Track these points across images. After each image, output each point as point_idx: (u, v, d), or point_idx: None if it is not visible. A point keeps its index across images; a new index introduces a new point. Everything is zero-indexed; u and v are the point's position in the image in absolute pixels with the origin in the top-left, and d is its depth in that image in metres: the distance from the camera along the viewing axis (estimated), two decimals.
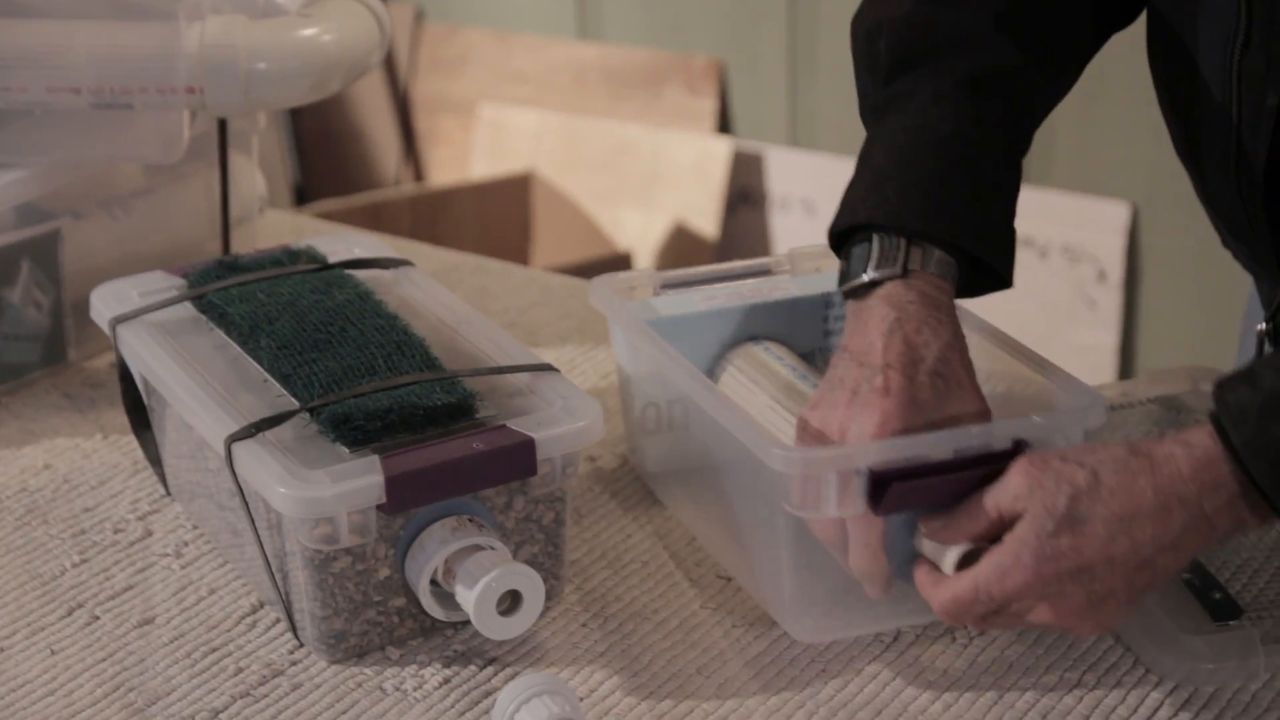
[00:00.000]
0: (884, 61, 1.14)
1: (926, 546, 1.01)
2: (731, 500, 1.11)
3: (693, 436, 1.16)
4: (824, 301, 1.27)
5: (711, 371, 1.23)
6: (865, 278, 1.07)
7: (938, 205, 1.09)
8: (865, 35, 1.16)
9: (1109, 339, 2.88)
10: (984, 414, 1.05)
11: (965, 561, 0.99)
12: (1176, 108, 1.19)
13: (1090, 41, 1.19)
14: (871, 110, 1.16)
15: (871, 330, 1.05)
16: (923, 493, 1.00)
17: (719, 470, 1.13)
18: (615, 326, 1.24)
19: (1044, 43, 1.15)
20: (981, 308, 1.15)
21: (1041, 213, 2.90)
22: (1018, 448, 1.01)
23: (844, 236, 1.11)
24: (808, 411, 1.05)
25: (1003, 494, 0.99)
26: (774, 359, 1.21)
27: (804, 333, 1.26)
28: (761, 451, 1.02)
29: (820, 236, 1.16)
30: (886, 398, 1.02)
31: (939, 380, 1.04)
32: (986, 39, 1.13)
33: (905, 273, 1.07)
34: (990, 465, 0.99)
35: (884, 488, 0.99)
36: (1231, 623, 1.06)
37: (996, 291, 1.13)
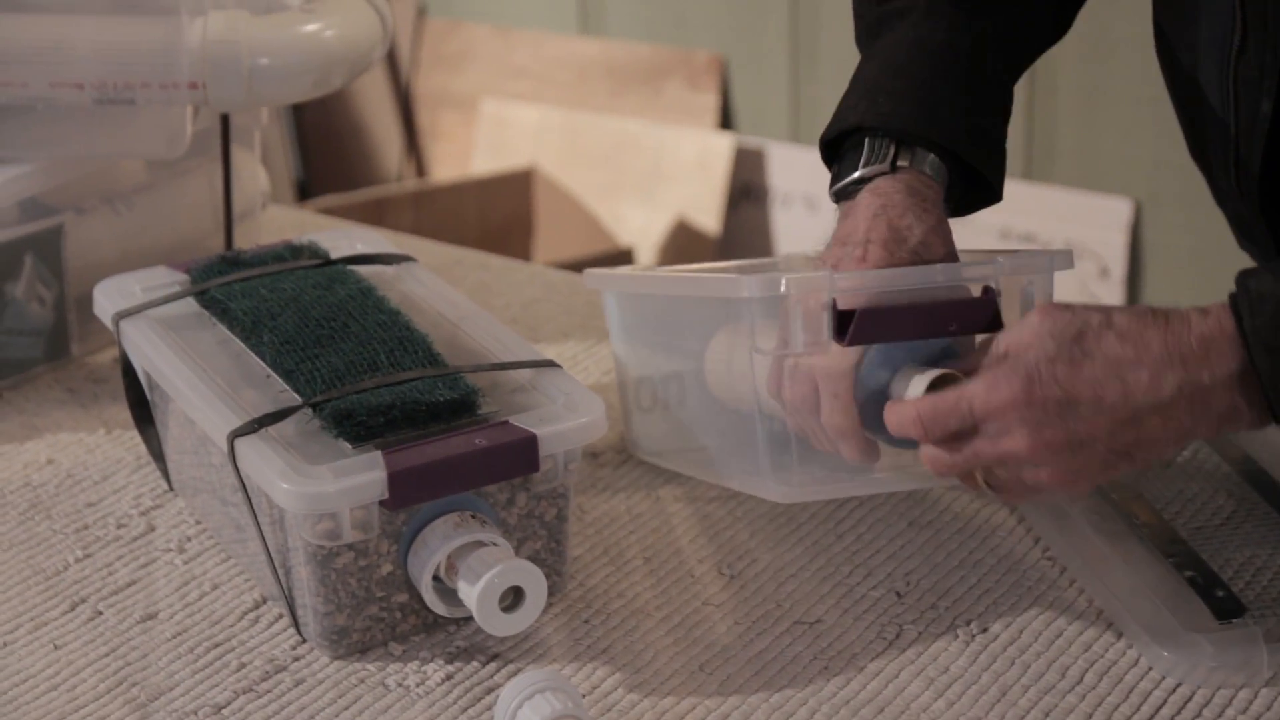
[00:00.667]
0: None
1: (899, 384, 1.01)
2: (706, 384, 1.12)
3: (675, 347, 1.17)
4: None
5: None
6: (854, 175, 1.09)
7: (929, 110, 1.10)
8: None
9: None
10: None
11: (936, 386, 0.99)
12: (1185, 111, 1.19)
13: None
14: (866, 30, 1.18)
15: (858, 216, 1.06)
16: (889, 322, 1.00)
17: (697, 371, 1.13)
18: (608, 298, 1.24)
19: None
20: None
21: (1044, 209, 2.90)
22: (987, 294, 1.02)
23: (835, 145, 1.13)
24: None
25: (1020, 331, 0.97)
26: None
27: None
28: (730, 286, 1.02)
29: (824, 233, 1.17)
30: (863, 264, 1.03)
31: (919, 260, 1.04)
32: None
33: (894, 169, 1.08)
34: (962, 314, 1.00)
35: (850, 317, 1.00)
36: (1234, 621, 1.06)
37: (986, 206, 1.13)
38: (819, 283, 1.01)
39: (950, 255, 1.07)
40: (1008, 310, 1.03)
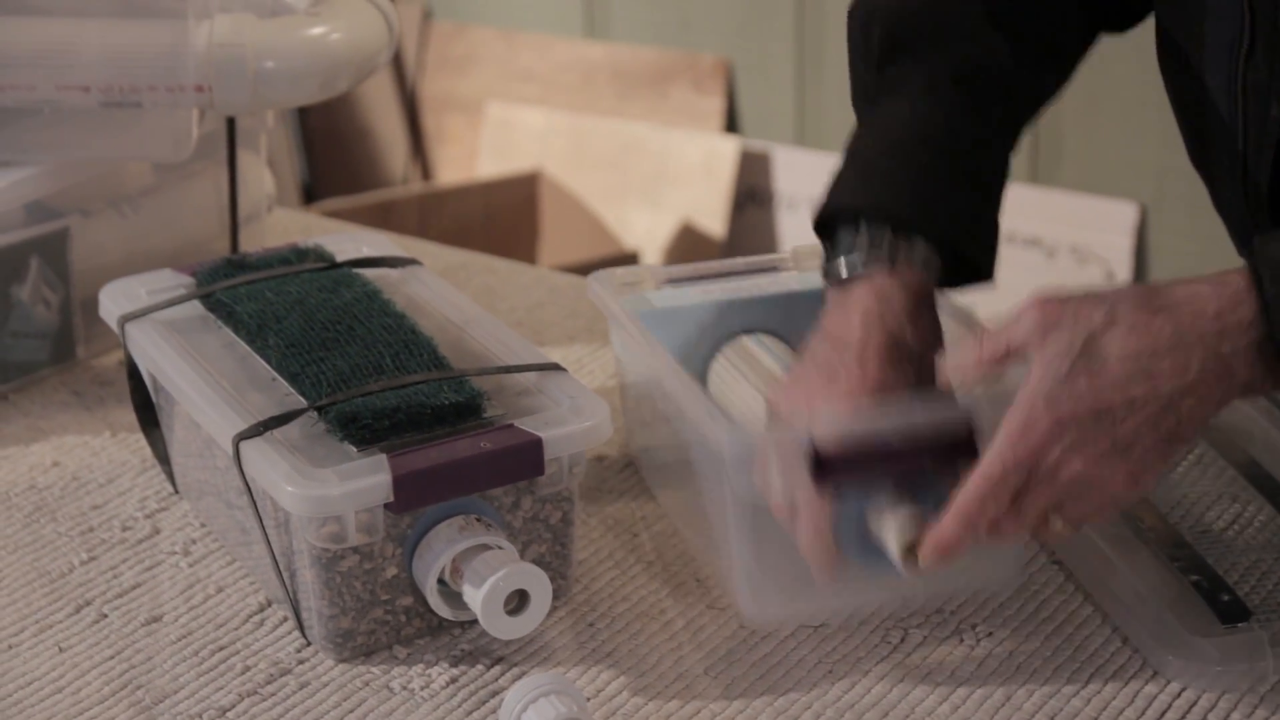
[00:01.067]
0: (877, 48, 1.15)
1: (874, 520, 1.01)
2: (696, 483, 1.12)
3: (669, 423, 1.17)
4: (821, 297, 1.27)
5: (705, 364, 1.23)
6: (844, 273, 1.08)
7: (925, 198, 1.09)
8: (860, 22, 1.17)
9: None
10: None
11: (910, 550, 0.98)
12: (1187, 117, 1.19)
13: (1078, 41, 1.20)
14: (863, 97, 1.17)
15: (853, 318, 1.06)
16: (867, 470, 1.00)
17: (687, 455, 1.13)
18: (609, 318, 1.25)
19: (1033, 39, 1.15)
20: (989, 312, 1.16)
21: (1049, 213, 2.90)
22: (970, 431, 1.00)
23: (828, 222, 1.12)
24: (779, 390, 1.06)
25: (1015, 329, 0.96)
26: (763, 350, 1.21)
27: (801, 327, 1.26)
28: (710, 431, 1.02)
29: None
30: (862, 384, 1.03)
31: (913, 373, 1.04)
32: (979, 32, 1.14)
33: (891, 265, 1.07)
34: (941, 448, 0.99)
35: (827, 466, 0.99)
36: (1240, 625, 1.06)
37: (979, 284, 1.13)
38: (794, 437, 1.00)
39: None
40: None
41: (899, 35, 1.14)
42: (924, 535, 0.99)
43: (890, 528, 1.00)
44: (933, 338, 1.06)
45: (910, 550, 0.99)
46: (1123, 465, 0.96)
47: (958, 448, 1.00)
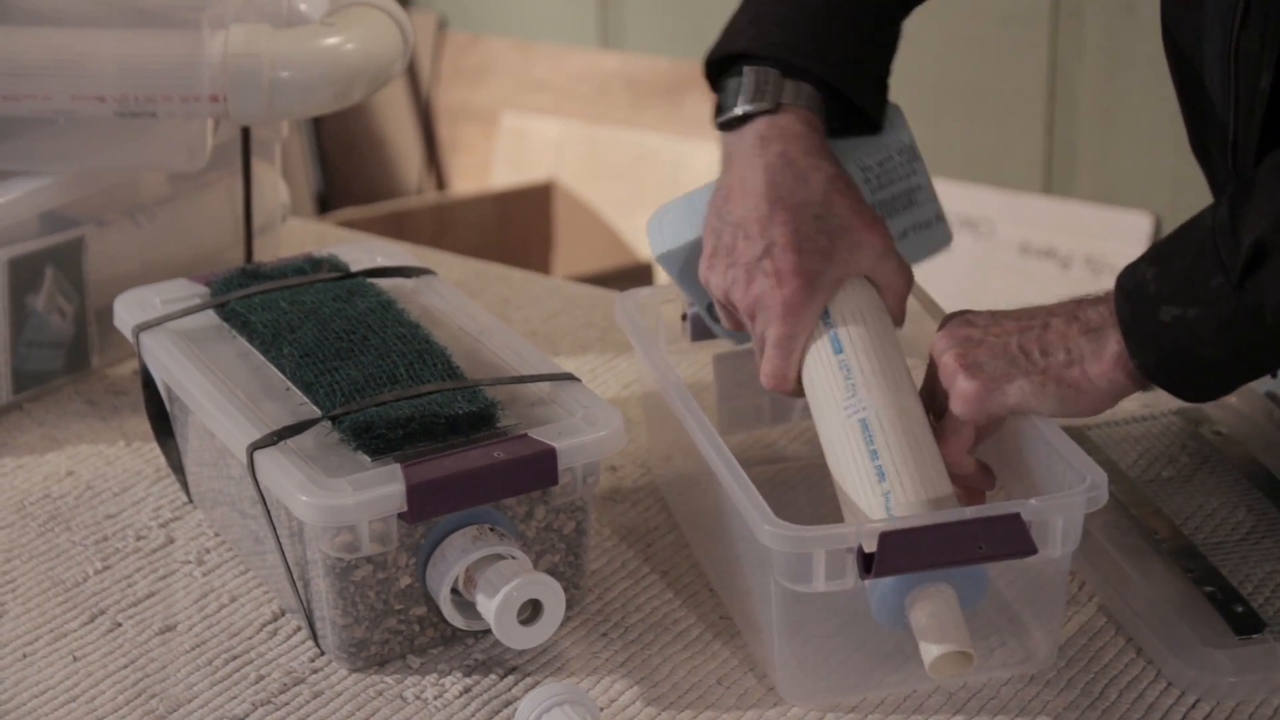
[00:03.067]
0: None
1: (911, 613, 1.00)
2: (732, 555, 1.10)
3: (702, 486, 1.15)
4: None
5: None
6: (738, 111, 1.11)
7: (811, 41, 1.12)
8: None
9: None
10: (879, 235, 1.09)
11: (940, 662, 0.98)
12: (1187, 97, 1.19)
13: None
14: None
15: (748, 193, 1.09)
16: (915, 558, 0.99)
17: (722, 524, 1.11)
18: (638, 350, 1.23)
19: None
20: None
21: (1064, 224, 2.90)
22: (1021, 527, 1.00)
23: (720, 69, 1.15)
24: (706, 270, 1.12)
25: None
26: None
27: None
28: (754, 524, 0.99)
29: None
30: (781, 285, 1.08)
31: (824, 238, 1.08)
32: None
33: (776, 107, 1.10)
34: (989, 530, 0.98)
35: (873, 559, 0.98)
36: (1254, 636, 1.05)
37: (865, 135, 1.17)
38: (846, 535, 0.99)
39: (855, 201, 1.10)
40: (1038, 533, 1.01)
41: None
42: (956, 643, 0.98)
43: (924, 633, 0.99)
44: (833, 182, 1.09)
45: (940, 662, 0.98)
46: (961, 350, 1.06)
47: (1009, 543, 0.99)
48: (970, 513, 1.00)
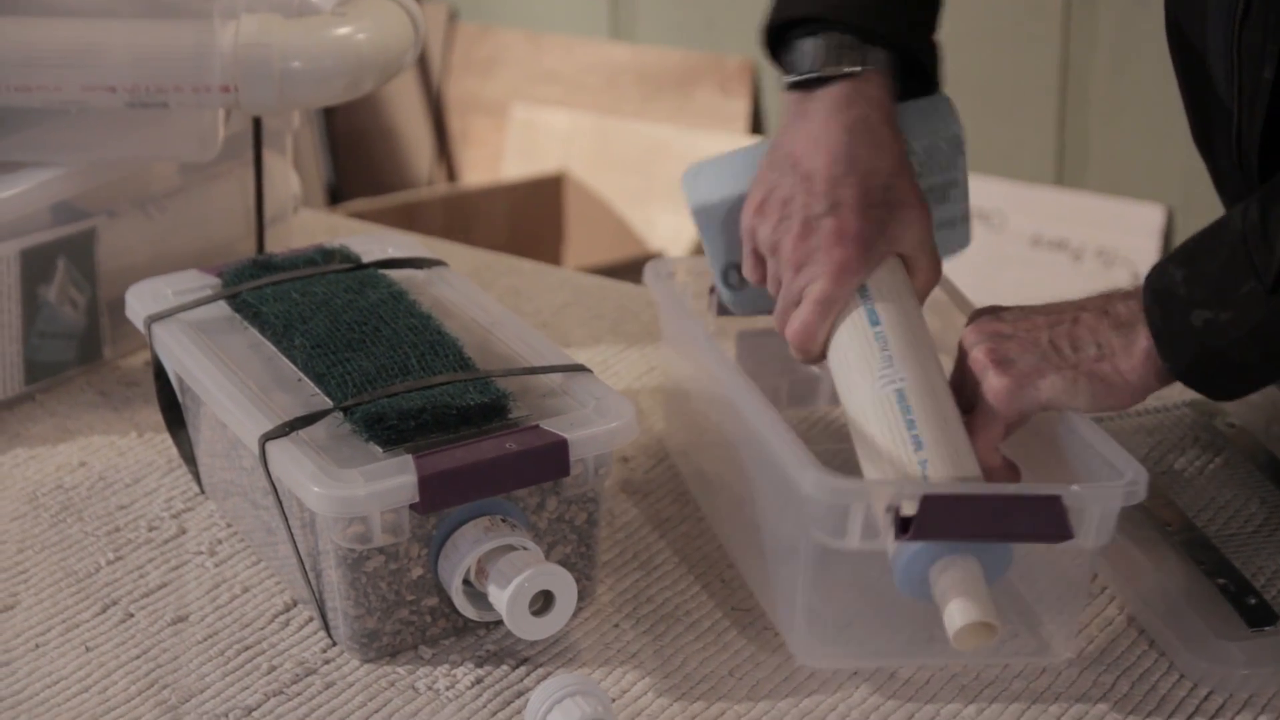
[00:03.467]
0: None
1: (935, 583, 1.00)
2: (759, 515, 1.10)
3: (728, 444, 1.15)
4: None
5: None
6: (818, 73, 1.11)
7: (878, 3, 1.12)
8: None
9: None
10: (928, 220, 1.10)
11: (963, 634, 0.98)
12: (1191, 89, 1.18)
13: None
14: None
15: (822, 150, 1.09)
16: (953, 526, 0.99)
17: (751, 482, 1.11)
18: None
19: None
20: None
21: (1075, 216, 2.89)
22: (1061, 510, 1.00)
23: (782, 33, 1.14)
24: (753, 215, 1.10)
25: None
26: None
27: None
28: (795, 473, 1.00)
29: None
30: (840, 244, 1.07)
31: (885, 210, 1.09)
32: None
33: (859, 71, 1.10)
34: (1028, 509, 0.98)
35: (910, 522, 0.98)
36: (1267, 628, 1.05)
37: (924, 96, 1.17)
38: (887, 491, 0.99)
39: (914, 180, 1.11)
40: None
41: None
42: (982, 613, 0.98)
43: (949, 604, 0.99)
44: (900, 160, 1.10)
45: (964, 632, 0.98)
46: (991, 345, 1.06)
47: (1046, 526, 0.99)
48: (1013, 489, 1.00)
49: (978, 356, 1.06)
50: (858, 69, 1.10)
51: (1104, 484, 1.01)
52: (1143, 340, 1.03)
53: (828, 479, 0.99)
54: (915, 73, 1.16)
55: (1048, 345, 1.05)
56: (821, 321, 1.09)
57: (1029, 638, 1.07)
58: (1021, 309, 1.08)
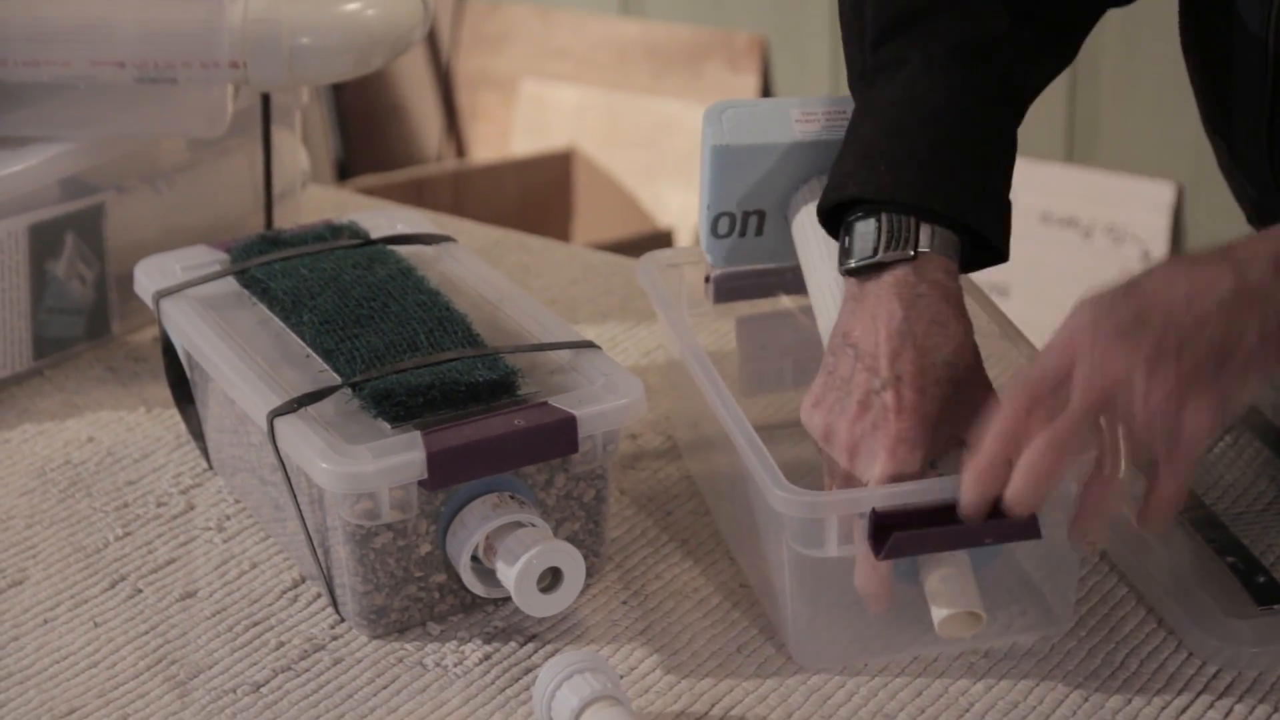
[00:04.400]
0: (870, 28, 1.10)
1: (924, 575, 1.00)
2: (749, 520, 1.09)
3: (718, 447, 1.15)
4: None
5: (787, 203, 1.17)
6: (875, 259, 1.03)
7: (936, 179, 1.05)
8: (851, 2, 1.13)
9: None
10: (992, 403, 0.99)
11: (949, 622, 0.98)
12: (1211, 75, 1.17)
13: (1082, 13, 1.15)
14: (859, 79, 1.12)
15: (879, 326, 1.02)
16: (926, 541, 0.98)
17: (739, 489, 1.10)
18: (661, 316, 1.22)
19: (1034, 11, 1.10)
20: (1025, 293, 1.15)
21: (1085, 193, 2.88)
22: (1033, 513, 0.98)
23: (835, 214, 1.08)
24: (810, 409, 1.02)
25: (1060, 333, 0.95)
26: None
27: None
28: (766, 489, 0.99)
29: None
30: (899, 418, 0.99)
31: (949, 386, 1.01)
32: (975, 5, 1.09)
33: (915, 255, 1.03)
34: (1003, 527, 0.97)
35: (887, 534, 0.97)
36: (1275, 607, 1.05)
37: (993, 265, 1.09)
38: (857, 500, 0.98)
39: (976, 364, 1.03)
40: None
41: (895, 11, 1.09)
42: (965, 604, 0.97)
43: (934, 595, 0.99)
44: (964, 342, 1.02)
45: (948, 623, 0.98)
46: (1174, 371, 0.91)
47: (1019, 526, 0.97)
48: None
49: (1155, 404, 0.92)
50: (909, 254, 1.03)
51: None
52: None
53: (796, 496, 0.98)
54: (983, 243, 1.07)
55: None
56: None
57: (1035, 612, 1.07)
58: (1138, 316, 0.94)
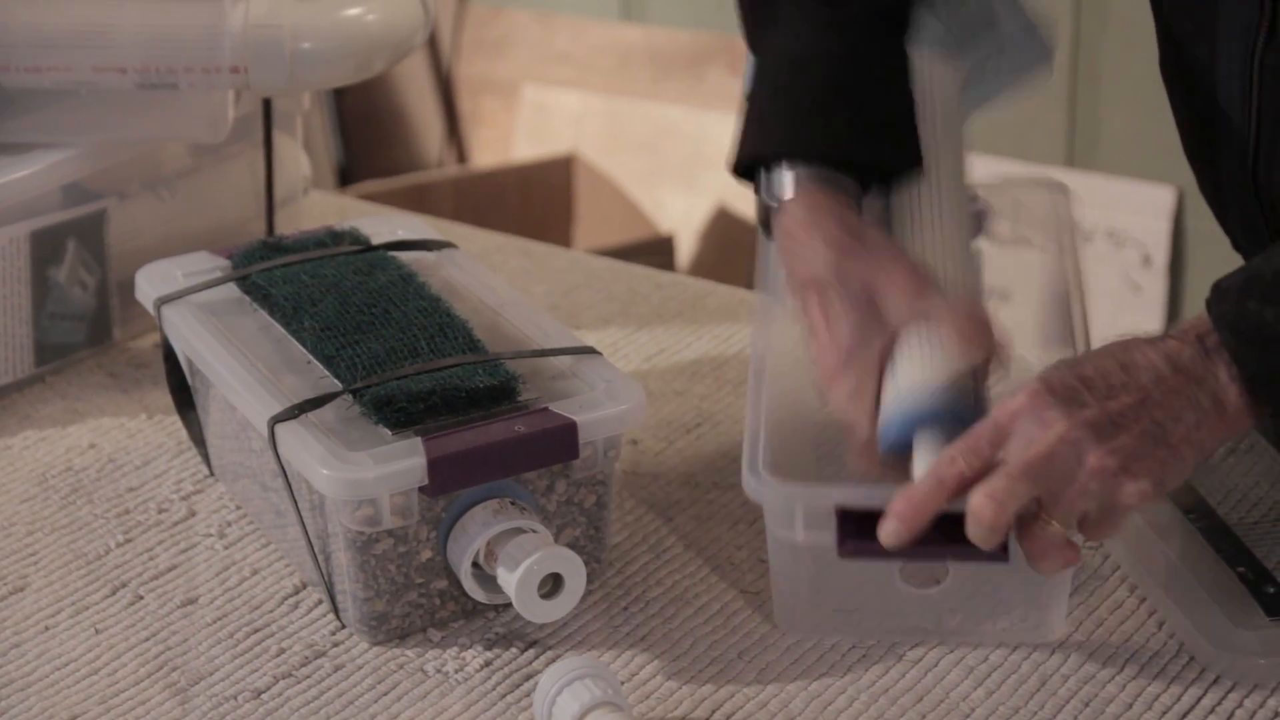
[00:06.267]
0: None
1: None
2: None
3: None
4: None
5: None
6: (771, 203, 1.09)
7: (810, 128, 1.11)
8: None
9: (1153, 324, 2.86)
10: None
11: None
12: (1193, 108, 1.17)
13: None
14: (749, 35, 1.18)
15: (802, 254, 1.06)
16: (887, 552, 0.99)
17: None
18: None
19: None
20: (1027, 298, 1.15)
21: (1086, 197, 2.87)
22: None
23: (748, 169, 1.13)
24: (823, 383, 1.05)
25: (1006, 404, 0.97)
26: None
27: None
28: (747, 482, 1.02)
29: None
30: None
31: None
32: None
33: (796, 195, 1.09)
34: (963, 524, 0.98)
35: (849, 531, 0.99)
36: None
37: (910, 177, 1.12)
38: (825, 493, 1.00)
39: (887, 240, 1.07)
40: None
41: None
42: None
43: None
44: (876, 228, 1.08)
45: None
46: (1111, 440, 0.95)
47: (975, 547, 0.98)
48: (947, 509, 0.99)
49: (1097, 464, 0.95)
50: (777, 202, 1.10)
51: None
52: (1232, 393, 0.96)
53: (766, 484, 1.00)
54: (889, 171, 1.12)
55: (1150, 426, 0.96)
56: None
57: (1035, 620, 1.06)
58: (1081, 380, 0.97)
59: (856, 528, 0.99)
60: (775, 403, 1.09)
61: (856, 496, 1.00)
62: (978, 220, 1.14)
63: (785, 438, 1.07)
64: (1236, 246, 1.21)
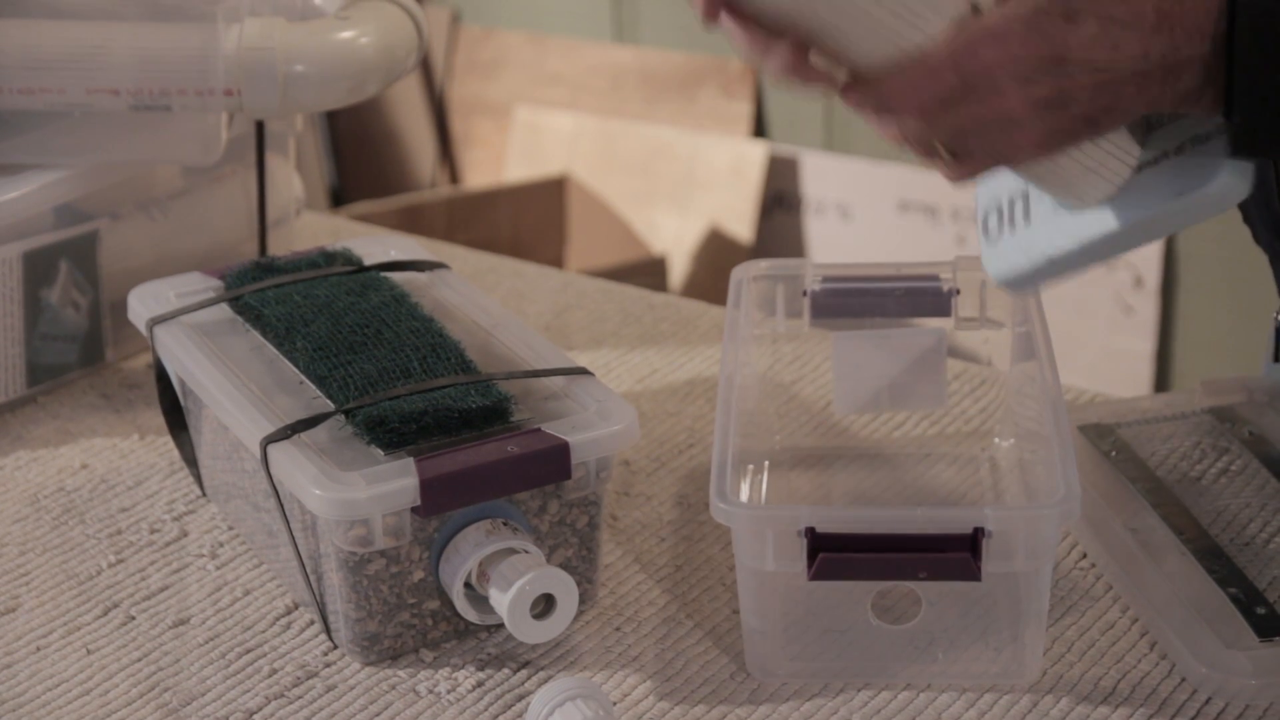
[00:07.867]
0: None
1: None
2: None
3: None
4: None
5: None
6: None
7: None
8: None
9: (1145, 346, 2.87)
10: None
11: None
12: None
13: None
14: None
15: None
16: (860, 567, 1.00)
17: None
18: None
19: None
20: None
21: None
22: (976, 534, 0.99)
23: None
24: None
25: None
26: None
27: None
28: (712, 504, 1.01)
29: (857, 242, 1.15)
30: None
31: None
32: None
33: None
34: (940, 550, 0.98)
35: (816, 554, 0.99)
36: (1276, 639, 1.05)
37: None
38: (796, 516, 1.00)
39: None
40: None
41: None
42: None
43: None
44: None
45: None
46: (1044, 121, 0.90)
47: (954, 565, 0.99)
48: (921, 523, 0.99)
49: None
50: None
51: (1027, 507, 1.00)
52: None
53: (734, 508, 1.00)
54: None
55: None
56: None
57: (1010, 657, 1.06)
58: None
59: (826, 550, 0.99)
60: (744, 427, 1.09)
61: (827, 518, 1.00)
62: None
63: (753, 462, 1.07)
64: (1257, 240, 1.21)
